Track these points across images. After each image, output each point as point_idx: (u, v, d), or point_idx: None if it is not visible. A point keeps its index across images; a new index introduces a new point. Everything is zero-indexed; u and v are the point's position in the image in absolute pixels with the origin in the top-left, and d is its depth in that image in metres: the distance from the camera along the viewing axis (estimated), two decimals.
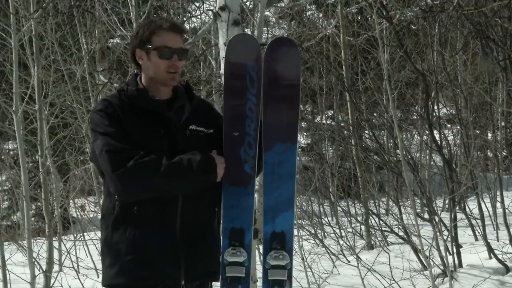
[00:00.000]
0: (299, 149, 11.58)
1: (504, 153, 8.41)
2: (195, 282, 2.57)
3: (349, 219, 8.87)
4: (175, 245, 2.50)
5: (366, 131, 10.06)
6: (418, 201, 8.16)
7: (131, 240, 2.47)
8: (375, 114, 10.61)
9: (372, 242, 8.12)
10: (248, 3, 8.62)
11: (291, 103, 2.70)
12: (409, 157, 7.14)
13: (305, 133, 12.19)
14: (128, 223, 2.48)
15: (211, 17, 4.44)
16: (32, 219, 11.28)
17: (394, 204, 8.89)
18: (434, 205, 6.76)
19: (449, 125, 11.00)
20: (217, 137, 2.65)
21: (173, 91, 2.65)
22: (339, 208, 9.34)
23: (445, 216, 6.74)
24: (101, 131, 2.47)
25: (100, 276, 2.69)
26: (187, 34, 8.68)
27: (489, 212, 7.40)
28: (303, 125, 12.07)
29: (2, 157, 10.72)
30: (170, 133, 2.54)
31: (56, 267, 7.40)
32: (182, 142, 2.55)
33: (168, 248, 2.49)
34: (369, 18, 9.99)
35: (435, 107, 6.98)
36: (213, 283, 2.69)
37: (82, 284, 6.19)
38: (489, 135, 8.54)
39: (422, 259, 6.10)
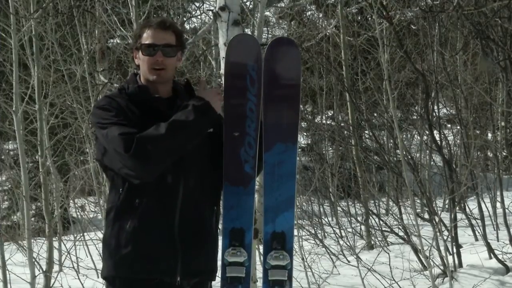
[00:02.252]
0: (299, 149, 11.57)
1: (504, 153, 8.41)
2: (192, 279, 2.56)
3: (349, 219, 8.87)
4: (173, 241, 2.50)
5: (366, 131, 10.06)
6: (418, 201, 8.15)
7: (130, 233, 2.48)
8: (375, 114, 10.60)
9: (372, 242, 8.12)
10: (248, 3, 8.63)
11: (291, 103, 2.71)
12: (409, 157, 7.13)
13: (305, 133, 12.18)
14: (129, 215, 2.49)
15: (211, 17, 4.44)
16: (32, 219, 11.27)
17: (394, 204, 8.89)
18: (434, 205, 6.76)
19: (449, 125, 11.00)
20: (217, 136, 2.65)
21: (173, 90, 2.66)
22: (339, 208, 9.34)
23: (445, 216, 6.74)
24: (108, 121, 2.47)
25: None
26: (187, 34, 8.68)
27: (489, 212, 7.40)
28: (303, 125, 12.06)
29: (2, 157, 10.72)
30: None
31: (56, 267, 7.39)
32: None
33: (166, 243, 2.50)
34: (369, 18, 9.99)
35: (435, 107, 6.98)
36: (213, 283, 2.69)
37: (82, 284, 6.18)
38: (489, 135, 8.54)
39: (422, 259, 6.10)
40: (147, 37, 2.57)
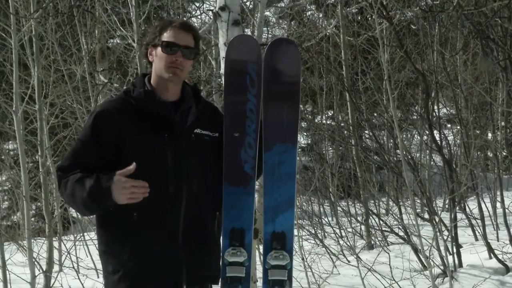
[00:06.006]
0: (299, 149, 11.58)
1: (504, 153, 8.41)
2: (196, 286, 2.58)
3: (349, 219, 8.87)
4: (177, 250, 2.50)
5: (366, 131, 10.06)
6: (418, 201, 8.15)
7: (132, 245, 2.47)
8: (375, 114, 10.60)
9: (372, 242, 8.12)
10: (248, 3, 8.63)
11: (291, 101, 2.71)
12: (409, 157, 7.13)
13: (305, 133, 12.18)
14: (128, 229, 2.47)
15: (211, 17, 4.44)
16: (32, 219, 11.28)
17: (394, 204, 8.89)
18: (434, 205, 6.76)
19: (449, 125, 11.00)
20: (222, 140, 2.64)
21: (181, 93, 2.64)
22: (339, 208, 9.34)
23: (445, 216, 6.74)
24: (75, 143, 2.60)
25: (100, 276, 2.70)
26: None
27: (489, 212, 7.40)
28: (303, 125, 12.07)
29: (2, 157, 10.71)
30: (175, 138, 2.53)
31: (56, 267, 7.39)
32: (186, 147, 2.54)
33: (170, 252, 2.49)
34: (369, 18, 9.98)
35: (435, 107, 6.98)
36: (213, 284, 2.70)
37: (82, 284, 6.18)
38: (489, 135, 8.54)
39: (422, 259, 6.10)
40: (168, 36, 2.56)
